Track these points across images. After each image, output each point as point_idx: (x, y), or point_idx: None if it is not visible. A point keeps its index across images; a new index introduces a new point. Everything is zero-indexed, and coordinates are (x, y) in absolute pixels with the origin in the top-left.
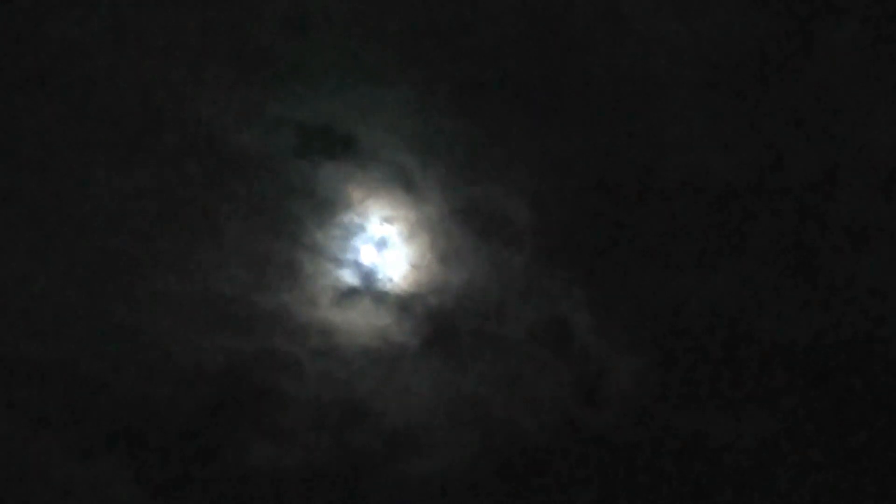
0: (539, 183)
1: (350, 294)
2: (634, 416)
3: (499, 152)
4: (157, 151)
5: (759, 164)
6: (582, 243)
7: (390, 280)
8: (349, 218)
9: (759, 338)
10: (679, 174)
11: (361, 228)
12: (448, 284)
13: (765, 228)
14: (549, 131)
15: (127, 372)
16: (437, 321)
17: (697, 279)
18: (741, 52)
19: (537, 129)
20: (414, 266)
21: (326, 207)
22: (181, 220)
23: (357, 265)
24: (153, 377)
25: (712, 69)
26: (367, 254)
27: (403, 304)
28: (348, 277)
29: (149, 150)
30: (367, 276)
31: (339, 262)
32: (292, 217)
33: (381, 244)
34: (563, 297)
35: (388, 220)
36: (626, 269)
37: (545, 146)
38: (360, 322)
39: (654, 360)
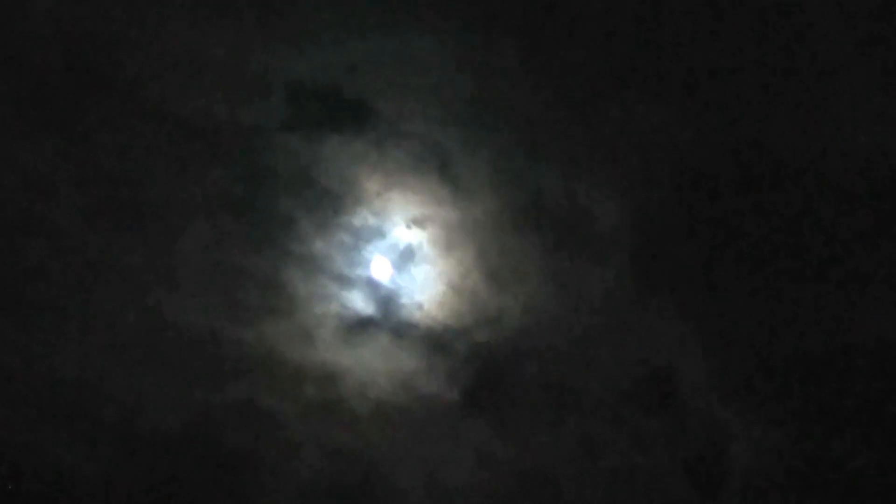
0: (634, 172)
1: (361, 326)
2: None
3: (577, 129)
4: (89, 119)
5: None
6: (694, 258)
7: (419, 307)
8: (361, 218)
9: None
10: (838, 163)
11: (378, 233)
12: (501, 315)
13: None
14: (651, 101)
15: (51, 432)
16: (484, 367)
17: (863, 312)
18: None
19: (634, 97)
20: (453, 288)
21: (329, 203)
22: (122, 220)
23: (371, 285)
24: (87, 439)
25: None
26: (385, 269)
27: (437, 341)
28: (359, 303)
29: (76, 117)
30: (386, 301)
31: (346, 281)
32: (280, 216)
33: (406, 256)
34: (665, 336)
35: (416, 221)
36: (759, 297)
37: (644, 122)
38: (375, 366)
39: (796, 427)
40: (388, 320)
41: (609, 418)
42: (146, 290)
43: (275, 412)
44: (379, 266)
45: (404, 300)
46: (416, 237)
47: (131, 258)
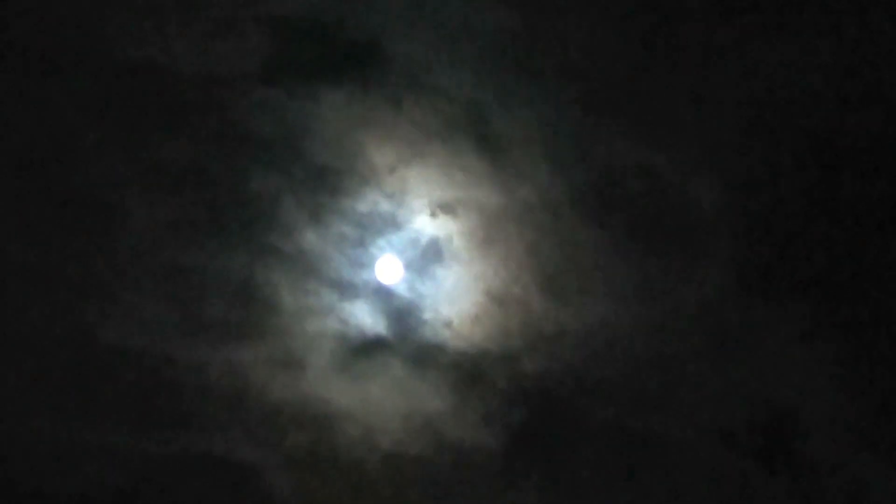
0: (740, 138)
1: (367, 351)
2: None
3: (662, 79)
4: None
5: None
6: (825, 256)
7: (447, 324)
8: (368, 202)
9: None
10: None
11: (391, 223)
12: (560, 335)
13: None
14: (765, 37)
15: None
16: (536, 406)
17: None
18: None
19: (741, 32)
20: (493, 298)
21: (324, 182)
22: (40, 205)
23: (382, 294)
24: None
25: None
26: (401, 273)
27: (472, 371)
28: (365, 318)
29: None
30: (402, 315)
31: (348, 289)
32: (258, 199)
33: (430, 254)
34: (784, 363)
35: (443, 207)
36: None
37: (756, 66)
38: (387, 404)
39: None
40: (405, 342)
41: (707, 475)
42: (74, 302)
43: (250, 467)
44: (393, 268)
45: (427, 315)
46: (443, 228)
47: (53, 259)
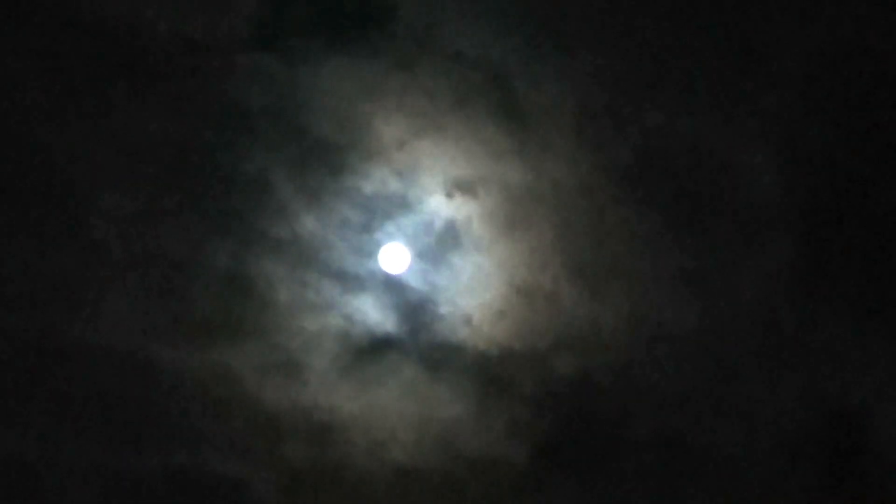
0: (803, 108)
1: (374, 352)
2: None
3: (711, 40)
4: None
5: None
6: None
7: (465, 321)
8: (375, 182)
9: None
10: None
11: (402, 205)
12: (596, 332)
13: None
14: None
15: None
16: (568, 414)
17: None
18: None
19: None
20: (518, 290)
21: (325, 159)
22: (5, 187)
23: (391, 287)
24: None
25: None
26: (412, 262)
27: (494, 374)
28: (371, 314)
29: None
30: (414, 311)
31: (353, 281)
32: (249, 180)
33: (446, 241)
34: (855, 363)
35: (461, 186)
36: None
37: (819, 23)
38: (396, 412)
39: None
40: (418, 341)
41: (767, 491)
42: (36, 300)
43: (241, 484)
44: (403, 256)
45: (443, 309)
46: (460, 211)
47: (10, 250)
